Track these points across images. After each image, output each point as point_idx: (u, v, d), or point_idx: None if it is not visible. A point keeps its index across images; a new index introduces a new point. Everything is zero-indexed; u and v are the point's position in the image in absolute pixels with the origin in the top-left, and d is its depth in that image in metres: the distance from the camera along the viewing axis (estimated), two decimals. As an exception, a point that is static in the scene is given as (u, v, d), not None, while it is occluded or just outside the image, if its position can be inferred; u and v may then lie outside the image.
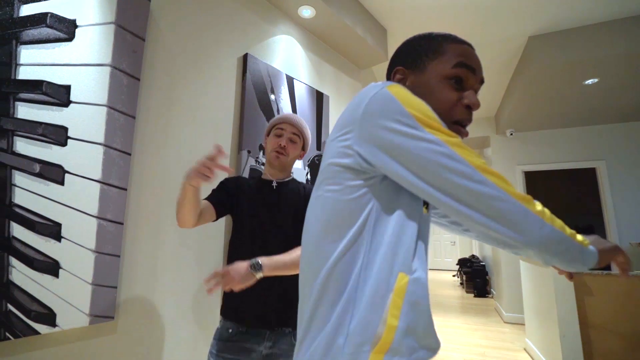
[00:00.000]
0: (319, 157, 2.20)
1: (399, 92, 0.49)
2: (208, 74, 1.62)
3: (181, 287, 1.39)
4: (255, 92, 1.79)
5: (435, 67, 0.56)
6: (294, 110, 2.06)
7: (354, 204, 0.50)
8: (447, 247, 9.86)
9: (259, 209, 1.08)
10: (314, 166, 2.15)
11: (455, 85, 0.56)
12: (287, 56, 2.12)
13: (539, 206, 0.47)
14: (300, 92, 2.13)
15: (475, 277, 5.98)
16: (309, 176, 2.10)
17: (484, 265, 6.08)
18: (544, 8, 2.48)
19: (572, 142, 4.25)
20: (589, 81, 2.94)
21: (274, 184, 1.12)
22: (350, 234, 0.50)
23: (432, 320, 0.51)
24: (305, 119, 2.14)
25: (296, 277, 0.97)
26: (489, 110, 4.57)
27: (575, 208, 6.01)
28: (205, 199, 1.06)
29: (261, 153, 1.77)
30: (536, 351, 2.81)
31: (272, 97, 1.89)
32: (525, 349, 3.13)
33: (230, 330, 0.94)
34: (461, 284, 6.92)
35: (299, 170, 2.04)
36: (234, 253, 1.07)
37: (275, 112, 1.90)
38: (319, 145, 2.24)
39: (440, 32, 0.60)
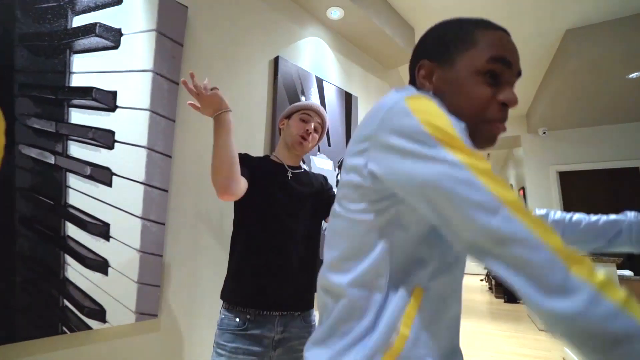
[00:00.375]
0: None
1: (418, 106, 0.43)
2: (242, 77, 1.65)
3: (219, 286, 1.42)
4: (286, 94, 1.80)
5: (465, 60, 0.49)
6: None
7: (374, 223, 0.48)
8: (474, 251, 9.54)
9: (277, 193, 0.99)
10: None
11: (490, 80, 0.48)
12: (316, 58, 2.13)
13: (600, 276, 0.32)
14: (330, 93, 2.13)
15: (506, 282, 5.74)
16: (339, 177, 2.09)
17: (514, 270, 5.83)
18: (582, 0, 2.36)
19: (612, 140, 4.02)
20: (634, 75, 2.77)
21: (289, 174, 1.06)
22: (373, 255, 0.48)
23: (452, 339, 0.48)
24: (334, 120, 2.13)
25: (305, 262, 1.02)
26: (520, 108, 4.39)
27: (615, 211, 5.65)
28: None
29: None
30: (578, 361, 2.66)
31: (303, 98, 1.90)
32: (564, 359, 2.97)
33: (238, 320, 0.89)
34: (490, 288, 6.68)
35: (330, 172, 2.04)
36: (242, 238, 0.97)
37: (305, 114, 1.91)
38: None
39: (470, 17, 0.53)
